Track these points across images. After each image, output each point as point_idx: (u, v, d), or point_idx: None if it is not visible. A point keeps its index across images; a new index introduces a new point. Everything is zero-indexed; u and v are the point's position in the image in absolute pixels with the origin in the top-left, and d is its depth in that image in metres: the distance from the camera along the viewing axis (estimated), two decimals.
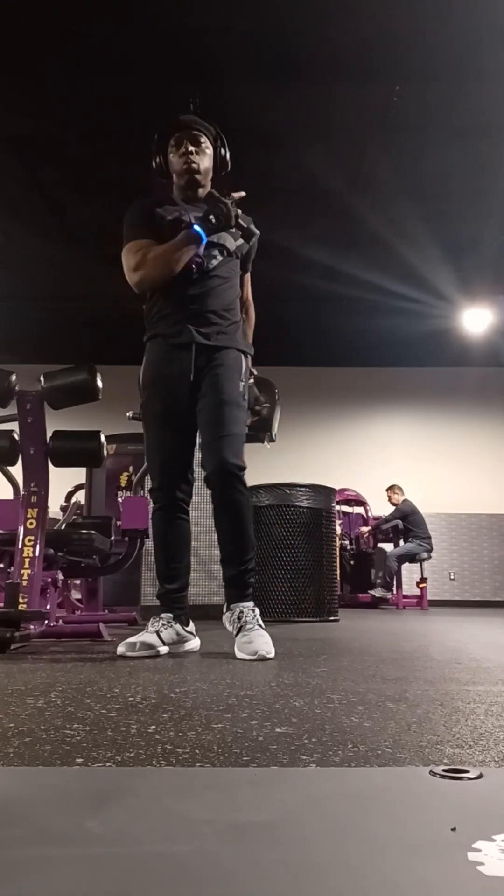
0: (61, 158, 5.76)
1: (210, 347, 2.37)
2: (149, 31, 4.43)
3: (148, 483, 2.63)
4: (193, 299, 2.39)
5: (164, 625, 2.28)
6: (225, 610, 2.34)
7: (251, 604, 2.30)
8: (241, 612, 2.26)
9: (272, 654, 2.11)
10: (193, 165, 2.44)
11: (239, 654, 2.13)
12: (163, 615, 2.32)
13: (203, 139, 2.46)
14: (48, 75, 4.80)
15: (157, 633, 2.24)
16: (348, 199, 6.23)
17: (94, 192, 6.17)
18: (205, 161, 2.47)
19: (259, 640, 2.14)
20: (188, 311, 2.39)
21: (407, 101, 5.02)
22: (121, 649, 2.15)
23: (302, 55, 4.61)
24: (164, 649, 2.23)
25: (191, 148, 2.43)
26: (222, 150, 2.53)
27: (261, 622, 2.27)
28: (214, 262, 2.41)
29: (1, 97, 4.96)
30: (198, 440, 2.42)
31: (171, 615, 2.32)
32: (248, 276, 2.62)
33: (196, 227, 2.31)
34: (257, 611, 2.30)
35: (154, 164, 2.54)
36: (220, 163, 2.53)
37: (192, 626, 2.41)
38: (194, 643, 2.40)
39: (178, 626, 2.32)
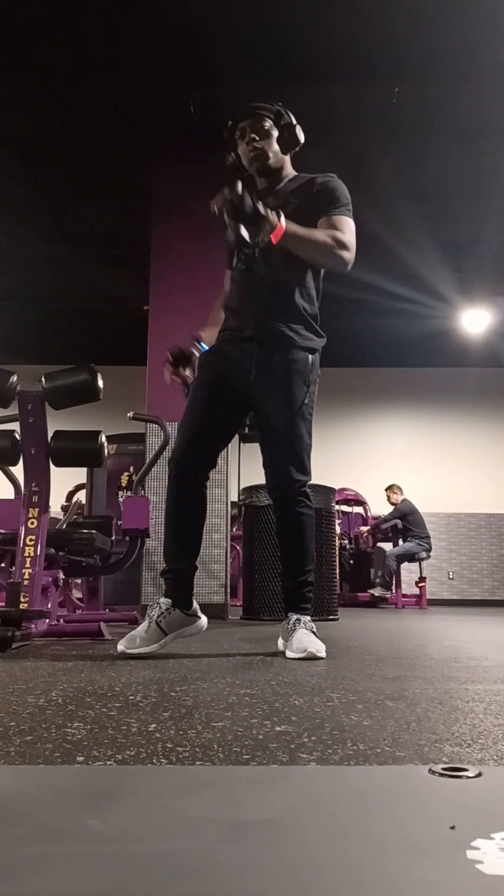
0: (61, 158, 5.76)
1: (275, 343, 2.30)
2: (149, 31, 4.43)
3: (150, 481, 2.62)
4: (255, 286, 2.33)
5: (162, 612, 2.19)
6: (286, 614, 2.33)
7: (308, 617, 2.29)
8: (299, 619, 2.26)
9: (322, 654, 2.10)
10: (259, 152, 2.35)
11: (288, 654, 2.13)
12: (161, 601, 2.23)
13: (267, 122, 2.36)
14: (48, 75, 4.80)
15: (158, 623, 2.16)
16: None
17: (94, 192, 6.17)
18: (272, 144, 2.37)
19: (310, 639, 2.15)
20: (252, 301, 2.34)
21: (407, 102, 5.02)
22: (121, 646, 2.11)
23: (302, 55, 4.61)
24: (167, 638, 2.16)
25: (253, 135, 2.34)
26: (286, 133, 2.38)
27: (314, 629, 2.26)
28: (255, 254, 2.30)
29: (1, 97, 4.96)
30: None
31: (169, 601, 2.22)
32: (329, 219, 2.34)
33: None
34: (313, 625, 2.29)
35: (228, 161, 2.44)
36: (288, 143, 2.39)
37: (195, 606, 2.30)
38: (201, 623, 2.31)
39: (177, 612, 2.21)
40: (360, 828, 0.60)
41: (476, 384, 10.55)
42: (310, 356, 2.36)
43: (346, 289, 7.76)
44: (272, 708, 1.26)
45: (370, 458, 10.42)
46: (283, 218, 2.17)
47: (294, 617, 2.27)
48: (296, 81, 4.79)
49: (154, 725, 1.10)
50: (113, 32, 4.44)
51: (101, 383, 2.91)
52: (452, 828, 0.58)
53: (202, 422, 2.30)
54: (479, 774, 0.74)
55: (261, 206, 2.13)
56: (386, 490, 8.88)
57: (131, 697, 1.38)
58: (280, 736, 1.03)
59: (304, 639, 2.15)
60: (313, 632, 2.24)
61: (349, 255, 2.30)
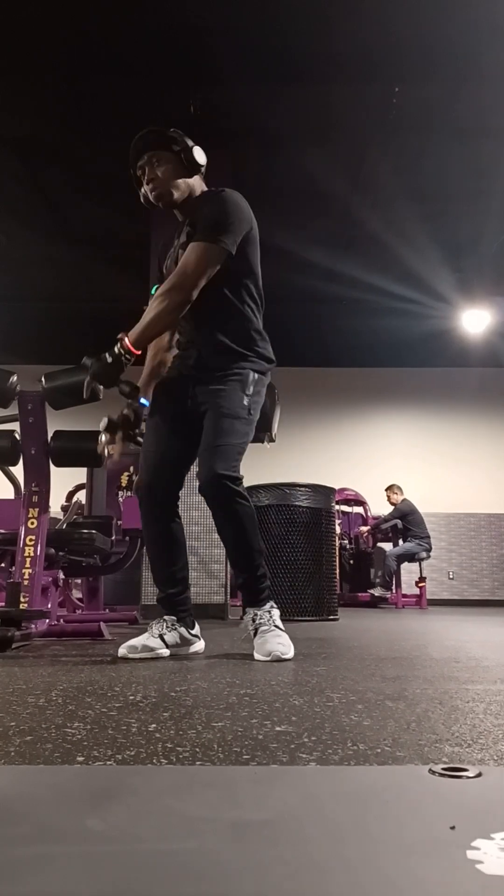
0: (61, 158, 5.76)
1: (217, 365, 2.32)
2: (149, 31, 4.43)
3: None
4: (196, 321, 2.36)
5: (167, 627, 2.23)
6: (241, 616, 2.32)
7: (267, 605, 2.26)
8: (256, 615, 2.23)
9: (289, 655, 2.08)
10: (155, 192, 2.29)
11: (256, 656, 2.11)
12: (166, 617, 2.26)
13: (156, 158, 2.28)
14: (48, 75, 4.80)
15: (161, 636, 2.19)
16: (348, 200, 6.23)
17: (94, 192, 6.17)
18: (171, 178, 2.28)
19: (273, 641, 2.12)
20: (195, 332, 2.38)
21: (407, 102, 5.02)
22: (122, 651, 2.11)
23: (302, 55, 4.61)
24: (165, 652, 2.18)
25: (150, 174, 2.29)
26: (184, 155, 2.28)
27: (277, 622, 2.23)
28: None
29: (1, 97, 4.96)
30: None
31: (174, 618, 2.26)
32: (192, 245, 2.25)
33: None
34: (275, 612, 2.26)
35: (141, 198, 2.38)
36: (187, 167, 2.30)
37: (197, 629, 2.34)
38: (198, 646, 2.34)
39: (182, 630, 2.26)
40: (360, 828, 0.60)
41: (476, 384, 10.55)
42: (251, 373, 2.34)
43: (346, 289, 7.78)
44: (272, 708, 1.26)
45: (370, 458, 10.42)
46: (124, 339, 2.20)
47: (252, 612, 2.24)
48: (296, 81, 4.79)
49: (154, 725, 1.10)
50: (113, 32, 4.44)
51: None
52: (452, 828, 0.58)
53: (157, 453, 2.34)
54: (479, 774, 0.74)
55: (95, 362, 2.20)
56: (386, 490, 8.89)
57: (131, 697, 1.38)
58: (280, 736, 1.03)
59: (270, 640, 2.13)
60: (276, 625, 2.21)
61: (178, 299, 2.20)
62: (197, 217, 2.29)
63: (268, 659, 2.04)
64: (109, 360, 2.18)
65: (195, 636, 2.32)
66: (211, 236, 2.21)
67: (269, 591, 2.31)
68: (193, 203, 2.34)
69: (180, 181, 2.31)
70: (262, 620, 2.21)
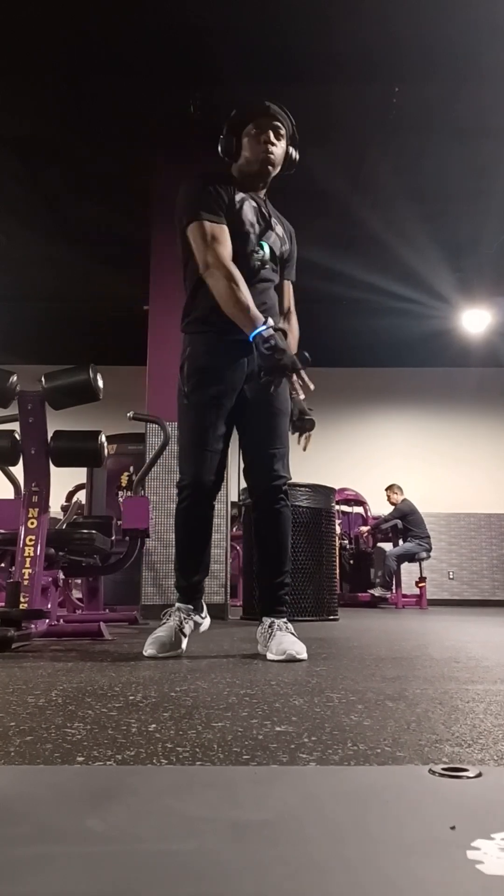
0: (61, 158, 5.76)
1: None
2: (149, 31, 4.43)
3: (150, 481, 2.58)
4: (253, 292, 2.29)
5: (185, 618, 2.27)
6: (259, 626, 2.31)
7: (283, 619, 2.28)
8: (273, 622, 2.24)
9: (303, 656, 2.08)
10: (272, 157, 2.32)
11: (269, 656, 2.12)
12: (181, 606, 2.28)
13: (283, 132, 2.35)
14: (48, 75, 4.80)
15: (181, 629, 2.23)
16: (348, 200, 6.23)
17: (94, 192, 6.17)
18: (280, 155, 2.36)
19: (288, 640, 2.14)
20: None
21: (407, 102, 5.02)
22: (149, 651, 2.13)
23: (302, 55, 4.61)
24: (185, 642, 2.24)
25: (273, 138, 2.31)
26: (293, 150, 2.40)
27: (292, 631, 2.25)
28: (264, 262, 2.36)
29: (1, 97, 4.96)
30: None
31: (190, 607, 2.30)
32: (288, 284, 2.51)
33: (259, 332, 2.12)
34: (290, 626, 2.28)
35: (222, 140, 2.38)
36: (288, 162, 2.41)
37: (204, 609, 2.42)
38: (207, 621, 2.43)
39: (196, 617, 2.33)
40: (360, 828, 0.60)
41: (476, 384, 10.55)
42: None
43: (346, 289, 7.77)
44: (272, 708, 1.26)
45: (370, 458, 10.42)
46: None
47: (269, 621, 2.26)
48: (296, 81, 4.79)
49: (154, 725, 1.10)
50: (113, 32, 4.44)
51: (100, 383, 2.91)
52: (452, 828, 0.58)
53: (216, 441, 2.27)
54: (480, 775, 0.74)
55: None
56: (386, 490, 8.88)
57: (131, 697, 1.38)
58: (280, 736, 1.03)
59: (284, 640, 2.14)
60: (291, 631, 2.23)
61: (205, 273, 2.24)
62: (292, 247, 2.50)
63: (282, 658, 2.05)
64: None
65: (203, 617, 2.40)
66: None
67: (288, 606, 2.35)
68: (276, 210, 2.47)
69: (280, 164, 2.39)
70: (279, 626, 2.24)
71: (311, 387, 2.19)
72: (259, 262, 2.35)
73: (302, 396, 2.22)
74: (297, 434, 2.38)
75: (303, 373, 2.17)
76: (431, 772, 0.75)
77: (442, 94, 4.98)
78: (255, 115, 2.34)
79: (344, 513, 9.01)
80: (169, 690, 1.48)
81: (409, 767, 0.86)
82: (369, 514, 9.28)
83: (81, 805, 0.66)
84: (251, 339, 2.12)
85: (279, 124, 2.34)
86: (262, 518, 2.33)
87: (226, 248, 2.23)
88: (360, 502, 9.30)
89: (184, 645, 2.22)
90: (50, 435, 2.93)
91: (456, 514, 10.51)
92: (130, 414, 4.21)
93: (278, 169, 2.38)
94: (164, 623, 2.24)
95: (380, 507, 9.21)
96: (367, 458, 10.41)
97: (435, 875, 0.50)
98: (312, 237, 6.88)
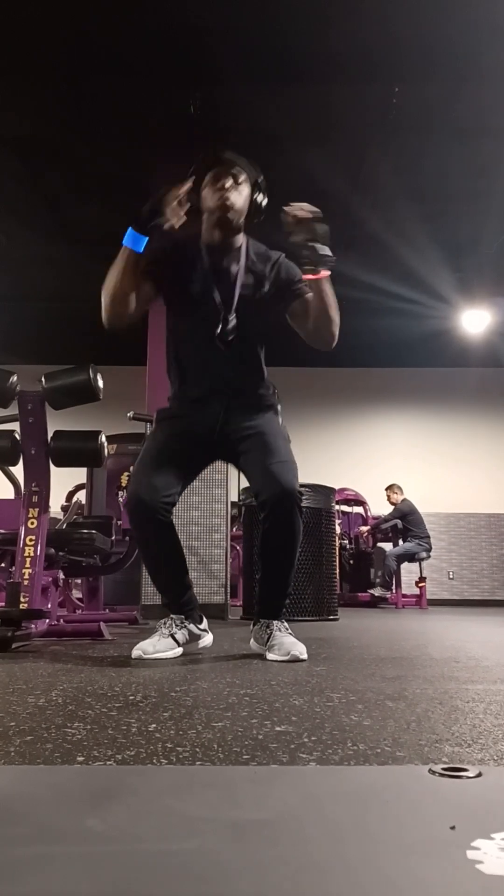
0: (61, 158, 5.76)
1: (240, 411, 2.30)
2: (149, 31, 4.43)
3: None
4: (216, 366, 2.30)
5: (177, 626, 2.23)
6: (253, 625, 2.31)
7: (283, 621, 2.28)
8: (271, 624, 2.23)
9: (305, 657, 2.08)
10: (228, 202, 2.21)
11: (270, 656, 2.11)
12: (174, 616, 2.26)
13: (242, 178, 2.26)
14: (48, 75, 4.81)
15: (172, 635, 2.20)
16: (348, 200, 6.23)
17: (94, 192, 6.17)
18: (240, 201, 2.25)
19: (290, 641, 2.13)
20: (213, 378, 2.31)
21: (407, 102, 5.02)
22: (136, 653, 2.10)
23: (302, 55, 4.61)
24: (178, 650, 2.19)
25: (229, 184, 2.22)
26: (259, 196, 2.30)
27: (291, 631, 2.24)
28: (230, 325, 2.27)
29: (1, 97, 4.96)
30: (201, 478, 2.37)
31: (182, 616, 2.26)
32: (304, 300, 2.32)
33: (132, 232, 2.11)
34: (288, 626, 2.27)
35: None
36: (254, 210, 2.30)
37: (205, 623, 2.36)
38: (207, 640, 2.36)
39: (191, 626, 2.27)
40: (360, 828, 0.60)
41: (476, 384, 10.55)
42: (278, 410, 2.41)
43: (346, 289, 7.75)
44: (272, 708, 1.26)
45: (370, 458, 10.42)
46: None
47: (266, 622, 2.25)
48: (296, 81, 4.79)
49: (154, 725, 1.10)
50: (113, 32, 4.44)
51: (100, 383, 2.91)
52: (452, 828, 0.58)
53: (165, 460, 2.26)
54: (479, 774, 0.74)
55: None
56: (386, 490, 8.89)
57: (131, 697, 1.38)
58: (280, 736, 1.03)
59: (286, 641, 2.14)
60: (290, 633, 2.23)
61: (337, 331, 2.27)
62: (281, 271, 2.32)
63: (285, 658, 2.05)
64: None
65: (204, 630, 2.34)
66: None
67: (287, 609, 2.34)
68: (258, 254, 2.34)
69: (244, 210, 2.29)
70: (278, 628, 2.23)
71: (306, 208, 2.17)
72: (223, 329, 2.28)
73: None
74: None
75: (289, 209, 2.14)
76: (431, 772, 0.75)
77: (442, 94, 4.98)
78: (211, 165, 2.27)
79: (344, 513, 9.01)
80: (169, 690, 1.48)
81: (409, 767, 0.86)
82: (369, 514, 9.28)
83: (81, 805, 0.66)
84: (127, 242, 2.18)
85: (238, 171, 2.26)
86: (277, 530, 2.22)
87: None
88: (360, 502, 9.30)
89: (177, 650, 2.18)
90: (50, 435, 2.93)
91: (456, 514, 10.51)
92: (130, 414, 4.21)
93: (241, 215, 2.27)
94: (156, 632, 2.23)
95: (380, 507, 9.21)
96: (367, 458, 10.41)
97: (435, 875, 0.50)
98: None
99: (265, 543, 2.27)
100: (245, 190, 2.28)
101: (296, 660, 2.04)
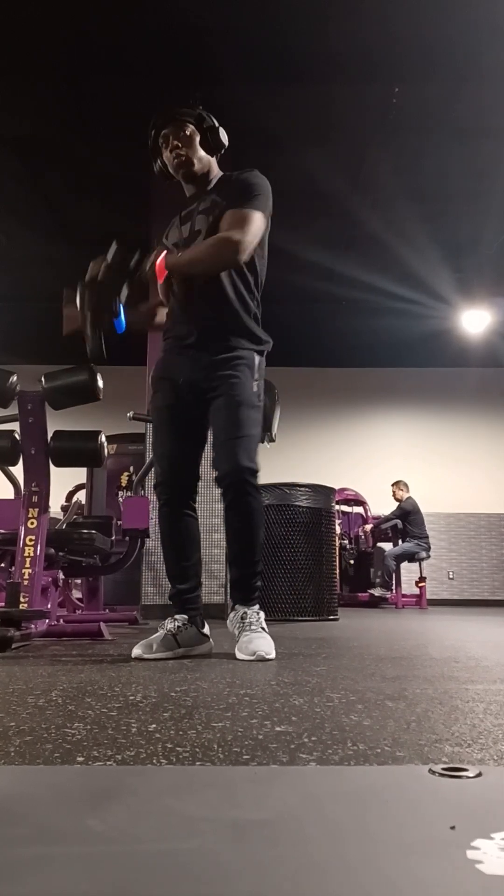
0: (61, 158, 5.76)
1: (218, 347, 2.30)
2: (149, 31, 4.43)
3: (150, 481, 2.57)
4: (189, 298, 2.33)
5: (180, 626, 2.22)
6: (229, 611, 2.32)
7: (256, 607, 2.27)
8: (245, 613, 2.23)
9: (272, 656, 2.08)
10: (182, 159, 2.34)
11: (238, 655, 2.11)
12: (178, 616, 2.26)
13: (189, 128, 2.35)
14: (48, 75, 4.80)
15: (174, 635, 2.19)
16: (348, 200, 6.23)
17: (94, 192, 6.17)
18: (196, 150, 2.36)
19: (259, 641, 2.13)
20: (189, 310, 2.35)
21: (407, 102, 5.02)
22: (136, 651, 2.10)
23: (302, 55, 4.61)
24: (179, 651, 2.18)
25: (176, 142, 2.33)
26: (209, 132, 2.37)
27: (264, 625, 2.24)
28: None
29: (1, 97, 4.96)
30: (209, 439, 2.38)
31: (186, 617, 2.26)
32: (232, 212, 2.28)
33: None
34: (262, 615, 2.27)
35: (155, 169, 2.46)
36: (211, 145, 2.38)
37: (207, 629, 2.35)
38: (208, 646, 2.33)
39: (193, 629, 2.26)
40: (359, 828, 0.60)
41: (476, 384, 10.56)
42: (255, 356, 2.36)
43: (346, 289, 7.78)
44: (272, 708, 1.26)
45: (370, 458, 10.42)
46: (160, 256, 2.22)
47: (242, 610, 2.25)
48: (296, 81, 4.79)
49: (154, 725, 1.10)
50: (113, 32, 4.44)
51: (100, 383, 2.91)
52: (452, 828, 0.58)
53: (177, 445, 2.32)
54: (479, 774, 0.74)
55: (135, 258, 2.18)
56: (392, 486, 8.87)
57: (131, 697, 1.38)
58: (280, 736, 1.03)
59: (254, 639, 2.13)
60: (262, 627, 2.22)
61: (238, 255, 2.22)
62: (233, 189, 2.33)
63: (251, 658, 2.05)
64: (132, 260, 2.16)
65: (205, 636, 2.32)
66: (259, 206, 2.28)
67: (260, 591, 2.34)
68: (221, 181, 2.39)
69: (203, 154, 2.38)
70: (251, 620, 2.22)
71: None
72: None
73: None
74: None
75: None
76: (431, 772, 0.75)
77: (442, 94, 4.98)
78: (156, 131, 2.38)
79: (344, 513, 9.02)
80: (169, 690, 1.48)
81: (409, 767, 0.86)
82: (369, 514, 9.28)
83: (81, 805, 0.66)
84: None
85: (181, 123, 2.35)
86: (231, 510, 2.27)
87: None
88: (360, 502, 9.30)
89: (177, 650, 2.18)
90: (50, 435, 2.93)
91: (456, 514, 10.51)
92: (130, 414, 4.21)
93: (200, 160, 2.37)
94: (159, 631, 2.23)
95: (380, 507, 9.21)
96: (367, 458, 10.41)
97: (435, 875, 0.50)
98: (312, 238, 6.89)
99: (226, 522, 2.32)
100: (194, 136, 2.36)
101: (262, 659, 2.04)
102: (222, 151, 2.42)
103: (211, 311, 2.33)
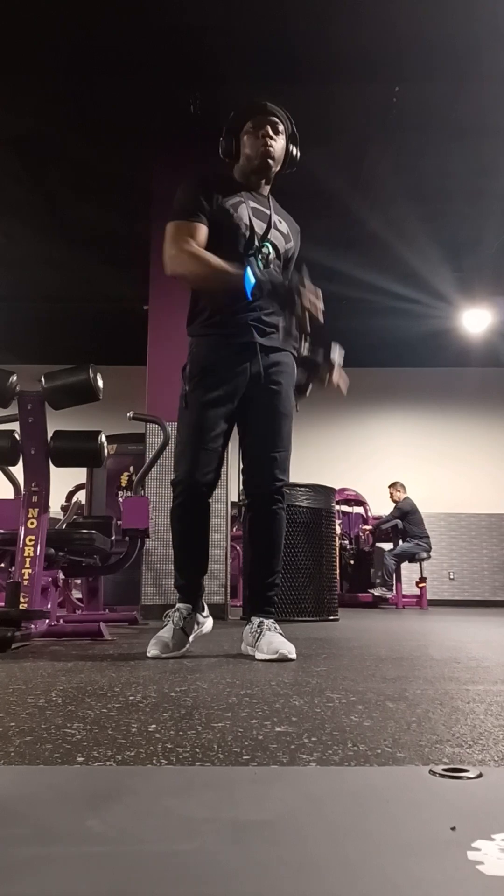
0: (61, 158, 5.76)
1: (268, 348, 2.31)
2: (149, 31, 4.43)
3: (147, 482, 2.56)
4: (250, 305, 2.28)
5: (185, 617, 2.25)
6: (248, 620, 2.32)
7: (272, 620, 2.28)
8: (262, 622, 2.24)
9: (293, 656, 2.08)
10: (271, 150, 2.33)
11: (258, 655, 2.11)
12: (181, 606, 2.28)
13: (281, 128, 2.36)
14: (48, 75, 4.80)
15: (182, 628, 2.22)
16: (348, 200, 6.23)
17: (95, 192, 6.17)
18: (279, 151, 2.37)
19: (279, 640, 2.14)
20: (245, 315, 2.30)
21: (407, 101, 5.02)
22: (153, 652, 2.12)
23: (302, 55, 4.61)
24: (188, 640, 2.24)
25: (271, 132, 2.33)
26: (293, 148, 2.42)
27: (280, 631, 2.25)
28: (265, 252, 2.37)
29: (1, 97, 4.96)
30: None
31: (189, 606, 2.29)
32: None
33: (248, 280, 2.14)
34: (278, 626, 2.28)
35: (222, 142, 2.41)
36: (288, 160, 2.42)
37: (206, 609, 2.42)
38: (208, 624, 2.41)
39: (197, 616, 2.33)
40: (360, 828, 0.60)
41: (476, 384, 10.55)
42: (295, 365, 2.40)
43: (346, 289, 7.77)
44: (272, 708, 1.26)
45: (370, 458, 10.42)
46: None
47: (258, 620, 2.26)
48: (296, 81, 4.78)
49: (154, 725, 1.10)
50: (113, 32, 4.44)
51: (100, 383, 2.91)
52: (453, 828, 0.58)
53: (212, 441, 2.27)
54: (480, 775, 0.74)
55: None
56: (389, 487, 8.88)
57: (131, 697, 1.38)
58: (280, 736, 1.03)
59: (275, 640, 2.14)
60: (279, 632, 2.23)
61: (170, 266, 2.31)
62: (295, 234, 2.47)
63: (273, 657, 2.05)
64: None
65: (206, 616, 2.40)
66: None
67: (276, 605, 2.37)
68: (276, 199, 2.45)
69: (281, 160, 2.41)
70: (268, 626, 2.24)
71: (321, 305, 2.24)
72: (263, 262, 2.34)
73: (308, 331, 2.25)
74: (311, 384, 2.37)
75: (305, 290, 2.20)
76: (432, 772, 0.75)
77: (442, 94, 4.98)
78: (252, 114, 2.37)
79: (344, 513, 9.02)
80: (169, 690, 1.48)
81: (410, 768, 0.86)
82: (369, 514, 9.28)
83: (81, 805, 0.66)
84: (248, 290, 2.15)
85: (277, 120, 2.36)
86: (258, 519, 2.34)
87: (194, 242, 2.25)
88: (360, 502, 9.30)
89: (187, 645, 2.24)
90: (50, 435, 2.93)
91: (456, 514, 10.51)
92: (130, 414, 4.21)
93: (279, 164, 2.40)
94: (166, 625, 2.24)
95: (380, 507, 9.21)
96: (367, 458, 10.41)
97: (435, 875, 0.50)
98: (312, 237, 6.87)
99: (251, 531, 2.37)
100: (282, 141, 2.38)
101: (284, 659, 2.04)
102: (288, 171, 2.45)
103: (263, 313, 2.32)
